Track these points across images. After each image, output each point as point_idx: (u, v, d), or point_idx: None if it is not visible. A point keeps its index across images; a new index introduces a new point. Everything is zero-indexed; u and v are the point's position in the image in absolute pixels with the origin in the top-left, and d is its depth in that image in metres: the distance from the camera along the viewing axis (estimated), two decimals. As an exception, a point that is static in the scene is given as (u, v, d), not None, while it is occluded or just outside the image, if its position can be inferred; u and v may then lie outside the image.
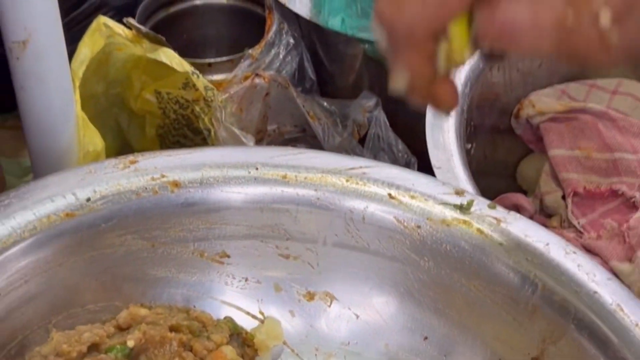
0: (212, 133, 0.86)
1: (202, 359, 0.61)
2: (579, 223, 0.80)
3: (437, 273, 0.66)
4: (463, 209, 0.66)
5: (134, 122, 0.94)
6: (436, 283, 0.66)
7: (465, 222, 0.65)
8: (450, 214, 0.66)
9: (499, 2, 0.38)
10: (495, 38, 0.39)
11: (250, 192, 0.66)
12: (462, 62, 0.43)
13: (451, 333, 0.66)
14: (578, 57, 0.39)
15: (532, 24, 0.37)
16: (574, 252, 0.63)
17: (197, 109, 0.87)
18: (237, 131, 0.81)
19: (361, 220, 0.67)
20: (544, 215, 0.84)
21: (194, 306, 0.67)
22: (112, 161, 0.65)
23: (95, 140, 0.81)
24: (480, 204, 0.67)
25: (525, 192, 0.92)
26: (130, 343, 0.59)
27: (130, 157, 0.66)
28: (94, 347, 0.59)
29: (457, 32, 0.41)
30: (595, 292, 0.60)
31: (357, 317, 0.69)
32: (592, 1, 0.37)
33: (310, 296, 0.69)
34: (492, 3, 0.38)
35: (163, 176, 0.65)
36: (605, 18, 0.37)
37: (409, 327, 0.67)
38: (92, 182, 0.63)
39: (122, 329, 0.62)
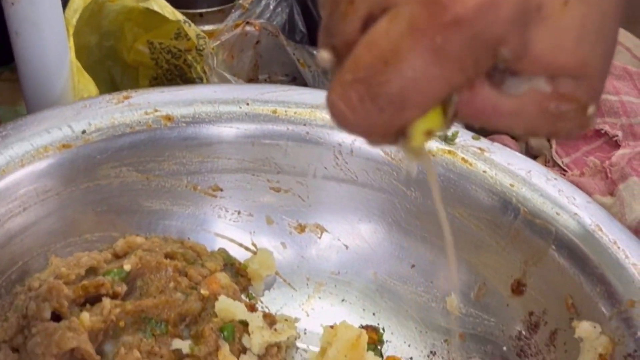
0: (205, 81, 0.87)
1: (197, 284, 0.63)
2: (562, 162, 0.82)
3: (423, 202, 0.68)
4: (448, 140, 0.68)
5: (127, 74, 0.95)
6: (422, 212, 0.68)
7: (450, 152, 0.67)
8: (435, 145, 0.68)
9: (481, 88, 0.35)
10: (472, 120, 0.37)
11: (242, 127, 0.68)
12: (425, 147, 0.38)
13: (437, 260, 0.68)
14: (554, 136, 0.38)
15: (514, 113, 0.36)
16: (555, 179, 0.66)
17: (189, 58, 0.89)
18: (229, 76, 0.83)
19: (349, 153, 0.69)
20: (529, 157, 0.86)
21: (188, 238, 0.69)
22: (106, 97, 0.67)
23: (89, 87, 0.83)
24: (465, 136, 0.69)
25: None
26: (127, 267, 0.61)
27: (124, 93, 0.68)
28: (91, 271, 0.61)
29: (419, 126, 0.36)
30: (575, 214, 0.63)
31: (347, 247, 0.71)
32: (581, 98, 0.36)
33: (301, 228, 0.71)
34: (474, 88, 0.35)
35: (156, 110, 0.66)
36: (592, 109, 0.37)
37: (397, 256, 0.70)
38: (87, 116, 0.65)
39: (119, 257, 0.64)
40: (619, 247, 0.60)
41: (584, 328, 0.58)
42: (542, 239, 0.63)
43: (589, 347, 0.58)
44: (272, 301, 0.70)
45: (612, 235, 0.61)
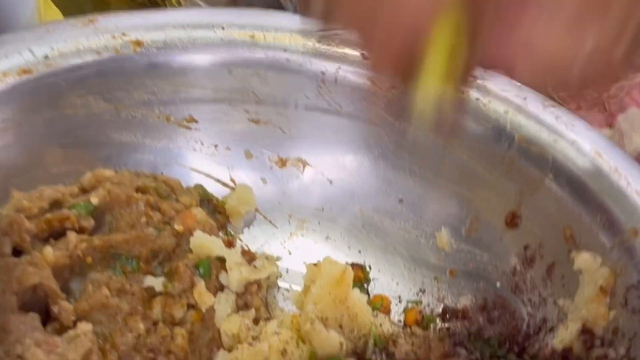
0: (180, 13, 0.82)
1: (170, 219, 0.59)
2: (558, 96, 0.78)
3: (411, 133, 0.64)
4: (438, 65, 0.64)
5: (99, 9, 0.90)
6: (411, 144, 0.64)
7: (440, 78, 0.63)
8: (424, 71, 0.64)
9: (521, 19, 0.30)
10: (503, 62, 0.32)
11: (217, 54, 0.64)
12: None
13: (426, 194, 0.64)
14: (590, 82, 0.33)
15: (567, 54, 0.30)
16: (552, 106, 0.62)
17: (164, -10, 0.84)
18: (203, 5, 0.78)
19: (333, 82, 0.64)
20: (523, 92, 0.82)
21: (162, 173, 0.64)
22: (71, 20, 0.62)
23: (57, 19, 0.78)
24: (456, 61, 0.64)
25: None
26: (94, 200, 0.57)
27: (90, 17, 0.63)
28: (56, 205, 0.57)
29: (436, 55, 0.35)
30: (574, 141, 0.59)
31: (331, 182, 0.67)
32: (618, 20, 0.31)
33: (282, 162, 0.67)
34: (511, 19, 0.30)
35: (124, 35, 0.62)
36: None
37: (384, 191, 0.66)
38: (49, 40, 0.60)
39: (86, 191, 0.59)
40: (620, 174, 0.56)
41: (584, 259, 0.55)
42: (539, 167, 0.59)
43: (588, 280, 0.54)
44: (252, 239, 0.66)
45: (613, 161, 0.57)
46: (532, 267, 0.59)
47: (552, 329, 0.56)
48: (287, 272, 0.65)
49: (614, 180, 0.56)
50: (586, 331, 0.53)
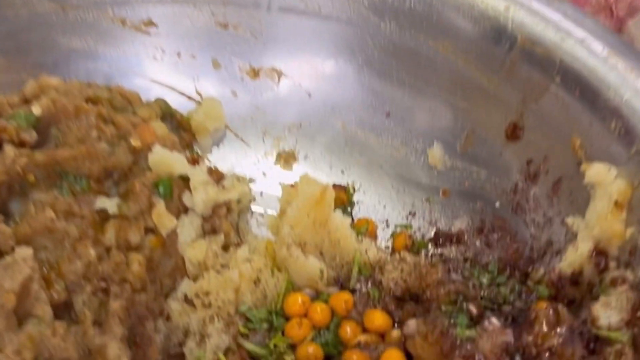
0: None
1: (126, 133, 0.52)
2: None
3: (400, 36, 0.57)
4: (429, -41, 0.56)
5: None
6: (399, 48, 0.57)
7: (432, -28, 0.56)
8: (414, -35, 0.56)
9: None
10: None
11: (178, -54, 0.56)
12: None
13: (417, 106, 0.58)
14: None
15: None
16: (559, 0, 0.54)
17: None
18: None
19: (311, -21, 0.57)
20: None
21: (118, 84, 0.57)
22: None
23: None
24: (450, -46, 0.57)
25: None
26: (37, 110, 0.50)
27: None
28: (-8, 117, 0.49)
29: None
30: (584, 40, 0.51)
31: (309, 95, 0.60)
32: None
33: (255, 72, 0.59)
34: None
35: None
36: None
37: (369, 103, 0.59)
38: None
39: (29, 101, 0.52)
40: (637, 75, 0.49)
41: (596, 172, 0.48)
42: (544, 71, 0.52)
43: (601, 194, 0.48)
44: (222, 159, 0.59)
45: (628, 61, 0.50)
46: (535, 184, 0.53)
47: (558, 252, 0.50)
48: (261, 195, 0.58)
49: (629, 82, 0.49)
50: (599, 252, 0.47)
